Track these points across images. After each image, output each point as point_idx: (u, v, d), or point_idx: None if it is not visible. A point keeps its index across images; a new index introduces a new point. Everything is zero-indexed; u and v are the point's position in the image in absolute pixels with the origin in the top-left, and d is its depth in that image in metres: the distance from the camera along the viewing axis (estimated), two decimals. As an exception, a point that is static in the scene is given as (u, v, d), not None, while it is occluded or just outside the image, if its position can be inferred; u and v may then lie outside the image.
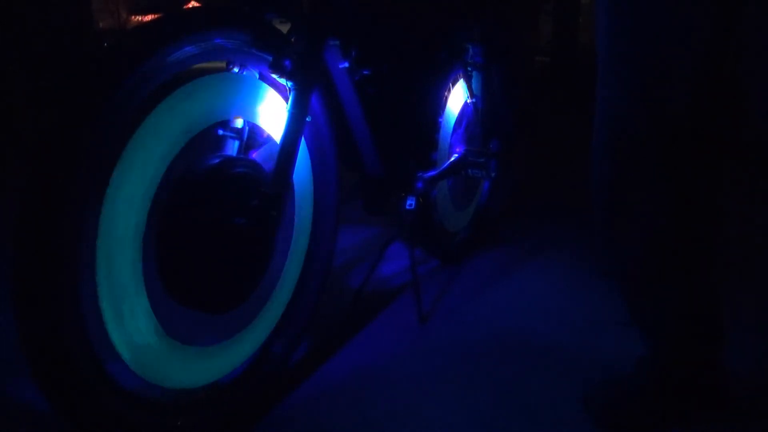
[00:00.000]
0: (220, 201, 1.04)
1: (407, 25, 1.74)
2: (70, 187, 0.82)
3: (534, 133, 3.60)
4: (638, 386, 1.16)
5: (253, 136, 1.15)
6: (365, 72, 1.44)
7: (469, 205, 2.13)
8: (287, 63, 1.12)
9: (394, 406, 1.22)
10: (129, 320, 0.94)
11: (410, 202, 1.62)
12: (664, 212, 1.07)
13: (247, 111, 1.13)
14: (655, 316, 1.14)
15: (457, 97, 1.95)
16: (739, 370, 1.19)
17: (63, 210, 0.82)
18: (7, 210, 0.86)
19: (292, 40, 1.18)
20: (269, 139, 1.19)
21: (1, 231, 0.92)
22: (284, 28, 1.19)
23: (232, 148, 1.11)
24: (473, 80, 1.98)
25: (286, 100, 1.15)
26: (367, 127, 1.48)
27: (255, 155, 1.14)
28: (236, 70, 1.11)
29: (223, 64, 1.10)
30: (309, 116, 1.18)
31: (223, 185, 1.04)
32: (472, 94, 1.96)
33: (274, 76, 1.14)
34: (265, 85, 1.16)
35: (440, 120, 1.84)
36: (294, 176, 1.17)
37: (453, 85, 1.91)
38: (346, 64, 1.35)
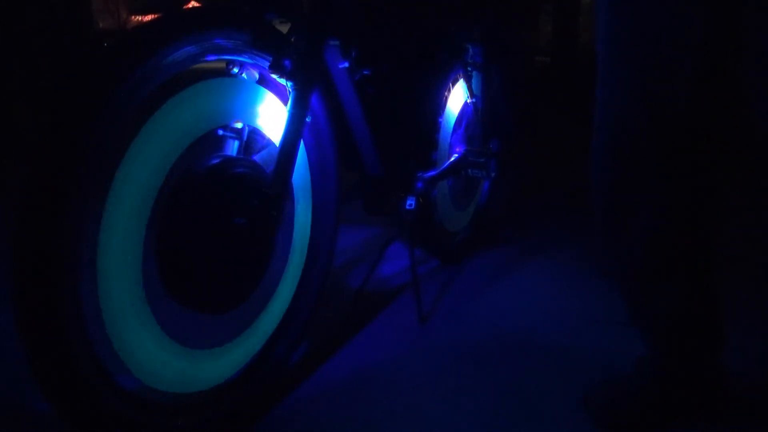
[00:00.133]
0: (220, 201, 1.04)
1: (407, 25, 1.74)
2: (71, 187, 0.82)
3: (534, 133, 3.60)
4: (638, 386, 1.16)
5: (253, 136, 1.15)
6: (365, 72, 1.44)
7: (469, 205, 2.13)
8: (287, 63, 1.12)
9: (394, 406, 1.22)
10: (129, 320, 0.94)
11: (410, 202, 1.62)
12: (664, 212, 1.07)
13: (248, 114, 1.13)
14: (655, 316, 1.14)
15: (457, 97, 1.95)
16: (739, 370, 1.19)
17: (64, 210, 0.82)
18: (8, 210, 0.86)
19: (292, 40, 1.18)
20: (270, 141, 1.19)
21: (1, 231, 0.92)
22: (284, 28, 1.19)
23: (232, 148, 1.11)
24: (473, 80, 1.98)
25: (285, 101, 1.15)
26: (367, 127, 1.48)
27: (257, 158, 1.15)
28: (236, 70, 1.11)
29: (222, 65, 1.10)
30: (309, 116, 1.18)
31: (223, 185, 1.04)
32: (472, 94, 1.96)
33: (274, 76, 1.14)
34: (264, 89, 1.16)
35: (440, 120, 1.84)
36: (294, 176, 1.17)
37: (453, 85, 1.91)
38: (346, 64, 1.35)
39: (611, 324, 1.48)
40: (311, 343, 1.46)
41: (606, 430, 1.15)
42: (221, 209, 1.04)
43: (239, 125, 1.11)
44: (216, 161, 1.05)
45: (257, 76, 1.16)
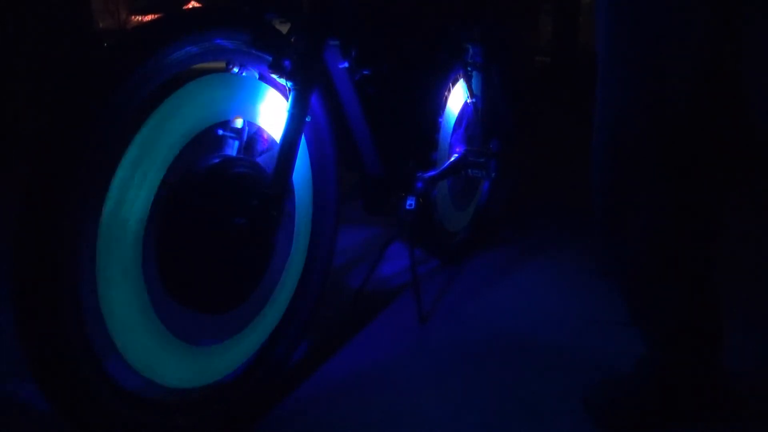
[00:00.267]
0: (220, 201, 1.04)
1: (407, 25, 1.74)
2: (71, 187, 0.82)
3: (534, 133, 3.60)
4: (638, 386, 1.16)
5: (253, 136, 1.15)
6: (365, 72, 1.44)
7: (469, 205, 2.13)
8: (287, 63, 1.12)
9: (394, 406, 1.22)
10: (129, 320, 0.94)
11: (410, 202, 1.62)
12: (664, 212, 1.07)
13: (248, 111, 1.13)
14: (655, 316, 1.14)
15: (457, 97, 1.95)
16: (739, 370, 1.19)
17: (63, 210, 0.82)
18: (8, 210, 0.86)
19: (292, 40, 1.18)
20: (271, 141, 1.19)
21: (2, 231, 0.92)
22: (284, 28, 1.19)
23: (232, 148, 1.11)
24: (473, 80, 1.98)
25: (286, 98, 1.15)
26: (367, 127, 1.48)
27: (261, 160, 1.15)
28: (236, 70, 1.11)
29: (223, 64, 1.10)
30: (309, 116, 1.18)
31: (223, 185, 1.04)
32: (472, 94, 1.96)
33: (274, 76, 1.14)
34: (265, 86, 1.16)
35: (440, 120, 1.84)
36: (294, 176, 1.17)
37: (453, 85, 1.91)
38: (346, 64, 1.35)
39: (611, 324, 1.48)
40: (311, 343, 1.46)
41: (606, 431, 1.15)
42: (221, 209, 1.04)
43: (239, 124, 1.11)
44: (216, 161, 1.05)
45: (257, 76, 1.16)
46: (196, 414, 1.09)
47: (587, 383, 1.23)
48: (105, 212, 0.88)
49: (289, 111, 1.12)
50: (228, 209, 1.05)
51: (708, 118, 1.03)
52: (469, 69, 1.94)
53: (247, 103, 1.13)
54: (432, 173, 1.72)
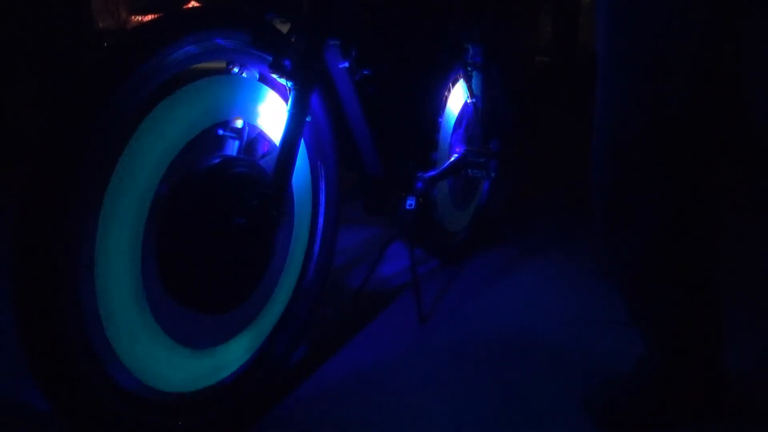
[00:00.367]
0: (220, 201, 1.04)
1: (407, 25, 1.74)
2: (70, 187, 0.82)
3: (534, 133, 3.60)
4: (638, 386, 1.16)
5: (255, 138, 1.15)
6: (365, 72, 1.44)
7: (469, 205, 2.13)
8: (287, 63, 1.12)
9: (394, 406, 1.22)
10: (129, 321, 0.94)
11: (410, 202, 1.62)
12: (664, 212, 1.07)
13: (248, 112, 1.13)
14: (655, 316, 1.14)
15: (457, 97, 1.95)
16: (739, 370, 1.19)
17: (63, 210, 0.82)
18: (8, 210, 0.86)
19: (292, 40, 1.18)
20: (272, 145, 1.19)
21: (2, 231, 0.92)
22: (284, 28, 1.18)
23: (232, 148, 1.11)
24: (473, 80, 1.98)
25: (286, 100, 1.15)
26: (367, 127, 1.48)
27: (263, 162, 1.15)
28: (236, 70, 1.11)
29: (223, 64, 1.10)
30: (309, 116, 1.18)
31: (223, 185, 1.04)
32: (472, 94, 1.96)
33: (274, 76, 1.14)
34: (265, 87, 1.16)
35: (440, 120, 1.84)
36: (294, 176, 1.17)
37: (453, 85, 1.91)
38: (346, 64, 1.35)
39: (611, 324, 1.48)
40: (311, 343, 1.46)
41: (606, 431, 1.15)
42: (221, 209, 1.04)
43: (239, 125, 1.11)
44: (216, 161, 1.05)
45: (257, 75, 1.16)
46: (196, 414, 1.09)
47: (587, 383, 1.23)
48: (104, 212, 0.88)
49: (289, 111, 1.12)
50: (228, 209, 1.05)
51: (708, 118, 1.03)
52: (469, 69, 1.94)
53: (248, 103, 1.13)
54: (432, 173, 1.72)
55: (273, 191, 1.09)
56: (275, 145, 1.18)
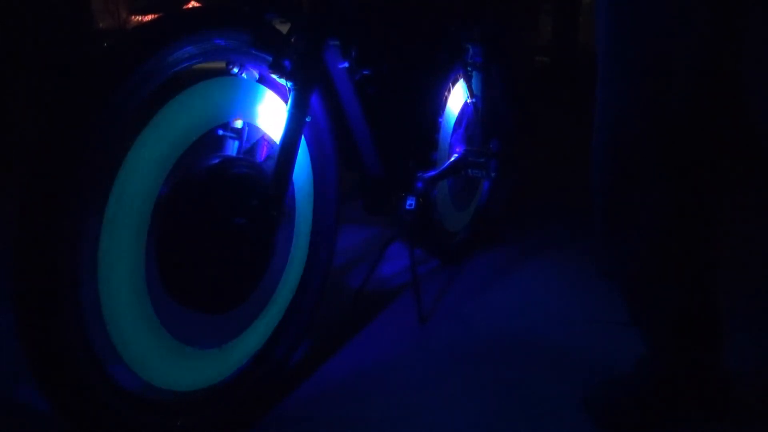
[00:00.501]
0: (220, 201, 1.04)
1: (407, 25, 1.74)
2: (71, 187, 0.82)
3: (534, 133, 3.60)
4: (638, 386, 1.16)
5: (257, 141, 1.16)
6: (365, 72, 1.44)
7: (469, 205, 2.13)
8: (287, 63, 1.12)
9: (394, 406, 1.22)
10: (130, 321, 0.94)
11: (410, 202, 1.62)
12: (664, 212, 1.07)
13: (248, 114, 1.13)
14: (655, 316, 1.14)
15: (457, 97, 1.95)
16: (739, 370, 1.19)
17: (64, 211, 0.82)
18: (8, 211, 0.86)
19: (292, 40, 1.18)
20: (273, 144, 1.19)
21: (2, 232, 0.92)
22: (284, 28, 1.18)
23: (233, 148, 1.11)
24: (473, 80, 1.98)
25: (286, 101, 1.15)
26: (367, 127, 1.48)
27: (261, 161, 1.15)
28: (236, 70, 1.11)
29: (222, 65, 1.10)
30: (309, 116, 1.18)
31: (223, 185, 1.04)
32: (472, 94, 1.96)
33: (273, 76, 1.14)
34: (264, 88, 1.16)
35: (440, 120, 1.84)
36: (294, 176, 1.17)
37: (453, 85, 1.91)
38: (346, 64, 1.35)
39: (611, 324, 1.48)
40: (311, 343, 1.46)
41: (606, 431, 1.15)
42: (221, 209, 1.04)
43: (239, 125, 1.11)
44: (216, 161, 1.05)
45: (257, 75, 1.16)
46: (196, 414, 1.09)
47: (587, 383, 1.23)
48: (106, 213, 0.88)
49: (289, 111, 1.12)
50: (228, 209, 1.05)
51: (708, 118, 1.03)
52: (469, 69, 1.94)
53: (249, 105, 1.13)
54: (432, 173, 1.72)
55: (273, 191, 1.09)
56: (276, 146, 1.18)
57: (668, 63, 0.99)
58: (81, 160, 0.82)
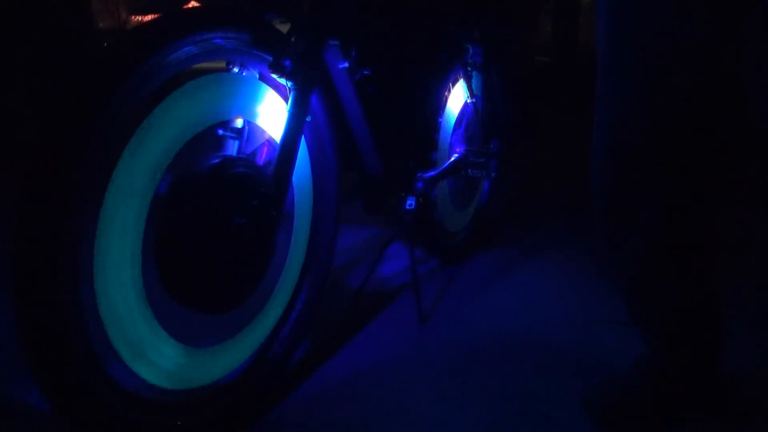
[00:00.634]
0: (220, 201, 1.04)
1: (407, 25, 1.74)
2: (71, 187, 0.82)
3: (534, 133, 3.60)
4: (638, 387, 1.16)
5: (252, 136, 1.15)
6: (365, 72, 1.44)
7: (469, 205, 2.13)
8: (287, 63, 1.12)
9: (393, 406, 1.22)
10: (128, 320, 0.94)
11: (410, 202, 1.62)
12: (664, 212, 1.07)
13: (248, 111, 1.13)
14: (655, 316, 1.14)
15: (457, 97, 1.95)
16: (739, 370, 1.19)
17: (63, 210, 0.82)
18: (8, 210, 0.86)
19: (292, 40, 1.18)
20: (271, 141, 1.19)
21: (2, 232, 0.92)
22: (284, 28, 1.19)
23: (232, 148, 1.11)
24: (473, 80, 1.98)
25: (286, 100, 1.15)
26: (367, 127, 1.48)
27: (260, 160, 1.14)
28: (236, 70, 1.11)
29: (223, 64, 1.10)
30: (309, 116, 1.18)
31: (222, 185, 1.04)
32: (472, 94, 1.96)
33: (274, 76, 1.14)
34: (265, 86, 1.16)
35: (440, 120, 1.84)
36: (294, 176, 1.17)
37: (453, 85, 1.91)
38: (346, 64, 1.35)
39: (611, 324, 1.48)
40: (311, 343, 1.46)
41: (606, 431, 1.15)
42: (221, 209, 1.04)
43: (239, 124, 1.11)
44: (216, 161, 1.05)
45: (257, 75, 1.16)
46: (196, 414, 1.09)
47: (587, 383, 1.23)
48: (104, 212, 0.88)
49: (289, 111, 1.12)
50: (228, 209, 1.05)
51: (708, 118, 1.03)
52: (469, 69, 1.94)
53: (249, 103, 1.13)
54: (432, 173, 1.72)
55: (273, 191, 1.09)
56: (276, 146, 1.18)
57: (668, 63, 0.99)
58: (81, 160, 0.82)
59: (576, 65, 6.19)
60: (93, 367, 0.88)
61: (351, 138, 1.49)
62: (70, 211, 0.82)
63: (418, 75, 1.75)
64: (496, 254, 2.04)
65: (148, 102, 0.92)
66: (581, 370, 1.31)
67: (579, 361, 1.37)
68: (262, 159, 1.18)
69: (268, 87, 1.17)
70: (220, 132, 1.09)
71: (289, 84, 1.13)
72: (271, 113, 1.18)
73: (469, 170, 1.89)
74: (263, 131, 1.18)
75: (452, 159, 1.86)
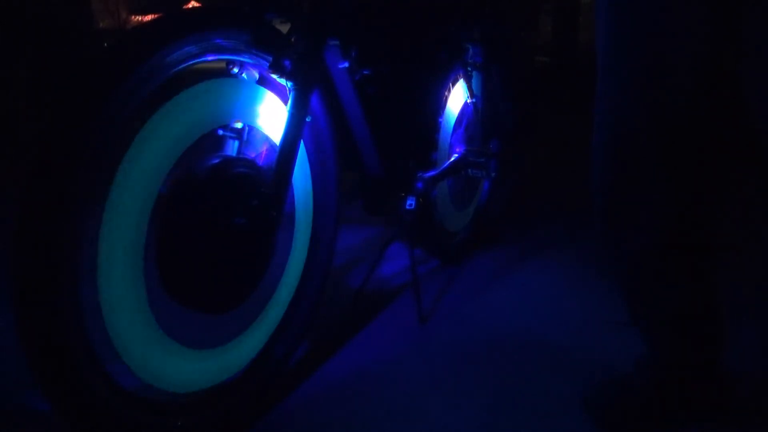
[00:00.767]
0: (220, 201, 1.04)
1: (407, 25, 1.74)
2: (71, 187, 0.82)
3: (534, 133, 3.60)
4: (638, 387, 1.16)
5: (252, 137, 1.15)
6: (365, 72, 1.44)
7: (469, 205, 2.13)
8: (287, 63, 1.12)
9: (394, 406, 1.22)
10: (129, 321, 0.94)
11: (410, 202, 1.62)
12: (664, 212, 1.07)
13: (248, 114, 1.13)
14: (655, 316, 1.14)
15: (457, 97, 1.94)
16: (739, 370, 1.19)
17: (64, 210, 0.82)
18: (8, 211, 0.86)
19: (292, 40, 1.18)
20: (270, 142, 1.19)
21: (2, 232, 0.92)
22: (284, 28, 1.19)
23: (232, 148, 1.11)
24: (473, 80, 1.98)
25: (286, 101, 1.15)
26: (367, 127, 1.48)
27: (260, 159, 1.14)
28: (236, 70, 1.11)
29: (223, 65, 1.10)
30: (309, 116, 1.18)
31: (223, 185, 1.04)
32: (472, 94, 1.96)
33: (273, 76, 1.14)
34: (264, 89, 1.16)
35: (440, 120, 1.84)
36: (294, 176, 1.17)
37: (453, 85, 1.91)
38: (346, 64, 1.35)
39: (611, 324, 1.48)
40: (311, 343, 1.46)
41: (606, 430, 1.15)
42: (221, 209, 1.04)
43: (239, 124, 1.11)
44: (216, 161, 1.05)
45: (257, 76, 1.16)
46: (196, 414, 1.09)
47: (587, 383, 1.23)
48: (105, 212, 0.88)
49: (289, 111, 1.12)
50: (228, 209, 1.05)
51: (708, 118, 1.03)
52: (469, 69, 1.94)
53: (249, 107, 1.13)
54: (432, 173, 1.72)
55: (273, 191, 1.09)
56: (275, 146, 1.18)
57: (668, 63, 0.99)
58: (81, 160, 0.82)
59: (576, 65, 6.18)
60: (93, 368, 0.88)
61: (351, 138, 1.49)
62: (70, 212, 0.82)
63: (418, 75, 1.75)
64: (496, 254, 2.04)
65: (149, 102, 0.92)
66: (581, 370, 1.31)
67: (579, 361, 1.37)
68: (262, 159, 1.18)
69: (267, 90, 1.17)
70: (221, 132, 1.09)
71: (289, 84, 1.13)
72: (271, 114, 1.17)
73: (469, 170, 1.89)
74: (263, 132, 1.18)
75: (452, 159, 1.86)
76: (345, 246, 2.04)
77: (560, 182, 2.92)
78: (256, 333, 1.23)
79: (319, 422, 1.18)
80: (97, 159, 0.84)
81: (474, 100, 1.98)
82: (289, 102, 1.13)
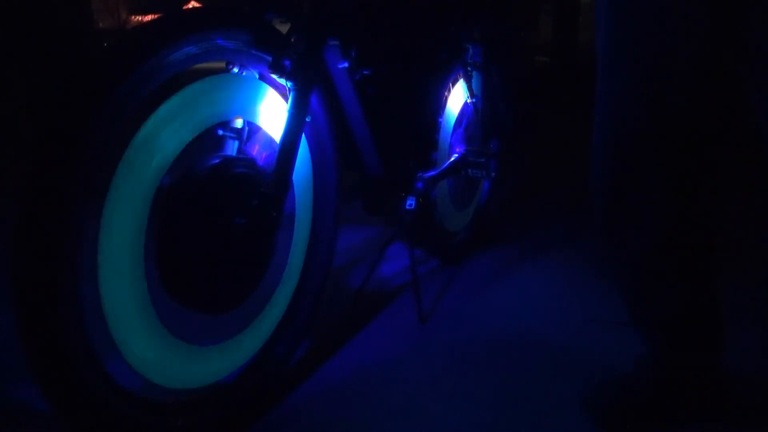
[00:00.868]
0: (220, 201, 1.04)
1: (407, 25, 1.74)
2: (71, 187, 0.82)
3: (534, 133, 3.60)
4: (638, 387, 1.16)
5: (253, 136, 1.15)
6: (365, 72, 1.44)
7: (469, 205, 2.13)
8: (287, 63, 1.12)
9: (393, 406, 1.22)
10: (130, 320, 0.94)
11: (410, 202, 1.62)
12: (664, 212, 1.07)
13: (248, 112, 1.13)
14: (655, 315, 1.14)
15: (457, 97, 1.95)
16: (739, 370, 1.19)
17: (63, 210, 0.82)
18: (8, 211, 0.86)
19: (292, 40, 1.18)
20: (271, 141, 1.19)
21: (2, 232, 0.92)
22: (284, 28, 1.19)
23: (232, 148, 1.11)
24: (473, 80, 1.98)
25: (286, 100, 1.15)
26: (367, 127, 1.48)
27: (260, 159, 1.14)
28: (236, 70, 1.11)
29: (223, 64, 1.10)
30: (309, 116, 1.18)
31: (223, 185, 1.04)
32: (472, 94, 1.96)
33: (273, 76, 1.14)
34: (265, 86, 1.16)
35: (440, 120, 1.84)
36: (294, 176, 1.17)
37: (453, 85, 1.91)
38: (346, 64, 1.35)
39: (611, 324, 1.48)
40: (311, 343, 1.46)
41: (606, 431, 1.15)
42: (221, 209, 1.04)
43: (239, 124, 1.11)
44: (216, 161, 1.05)
45: (257, 76, 1.16)
46: (196, 414, 1.09)
47: (587, 383, 1.23)
48: (105, 212, 0.88)
49: (289, 111, 1.12)
50: (228, 209, 1.05)
51: (708, 118, 1.03)
52: (469, 69, 1.94)
53: (249, 104, 1.13)
54: (432, 173, 1.72)
55: (273, 191, 1.09)
56: (276, 146, 1.18)
57: (668, 63, 0.99)
58: (80, 160, 0.82)
59: (576, 65, 6.19)
60: (93, 367, 0.88)
61: (351, 138, 1.49)
62: (70, 211, 0.82)
63: (418, 75, 1.75)
64: (496, 254, 2.04)
65: (149, 102, 0.92)
66: (581, 370, 1.31)
67: (579, 361, 1.36)
68: (262, 159, 1.18)
69: (269, 87, 1.17)
70: (220, 132, 1.09)
71: (289, 84, 1.13)
72: (271, 113, 1.17)
73: (469, 170, 1.89)
74: (263, 131, 1.18)
75: (452, 159, 1.86)
76: (345, 246, 2.04)
77: (560, 182, 2.92)
78: (257, 332, 1.22)
79: (319, 422, 1.18)
80: (97, 158, 0.84)
81: (474, 100, 1.98)
82: (289, 102, 1.13)
